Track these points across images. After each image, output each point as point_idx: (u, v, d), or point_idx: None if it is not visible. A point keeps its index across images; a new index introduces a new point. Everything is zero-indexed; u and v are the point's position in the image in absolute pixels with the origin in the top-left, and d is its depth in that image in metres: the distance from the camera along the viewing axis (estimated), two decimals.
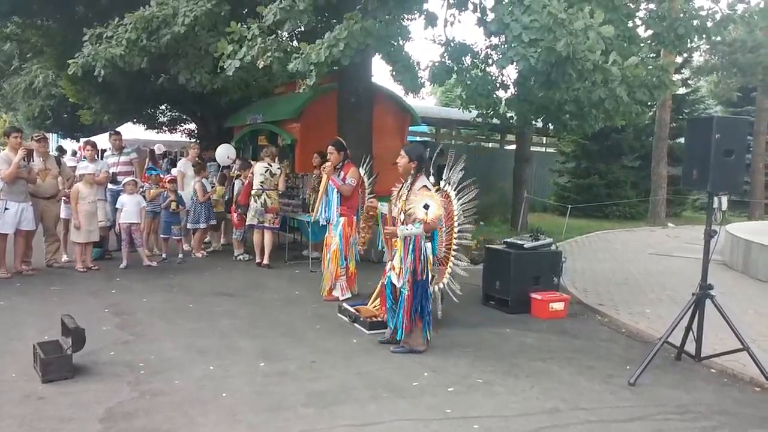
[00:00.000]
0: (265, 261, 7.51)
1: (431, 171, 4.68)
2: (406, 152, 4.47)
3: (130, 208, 7.14)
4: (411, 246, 4.28)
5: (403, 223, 4.34)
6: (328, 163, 6.04)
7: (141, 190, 7.66)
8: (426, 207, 4.15)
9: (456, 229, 4.92)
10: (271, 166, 7.65)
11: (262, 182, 7.54)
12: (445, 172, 4.83)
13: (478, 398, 3.67)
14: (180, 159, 10.38)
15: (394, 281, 4.48)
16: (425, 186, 4.36)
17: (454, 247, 4.93)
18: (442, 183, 4.78)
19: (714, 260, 5.27)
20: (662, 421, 3.47)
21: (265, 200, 7.51)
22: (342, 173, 5.94)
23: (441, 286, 5.03)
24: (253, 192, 7.58)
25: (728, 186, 4.22)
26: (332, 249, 5.94)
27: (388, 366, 4.16)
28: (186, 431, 3.11)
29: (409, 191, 4.38)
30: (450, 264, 4.97)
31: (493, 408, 3.53)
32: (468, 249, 4.92)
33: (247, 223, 7.73)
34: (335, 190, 5.90)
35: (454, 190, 4.93)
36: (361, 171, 6.30)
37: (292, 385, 3.76)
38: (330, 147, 6.05)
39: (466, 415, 3.41)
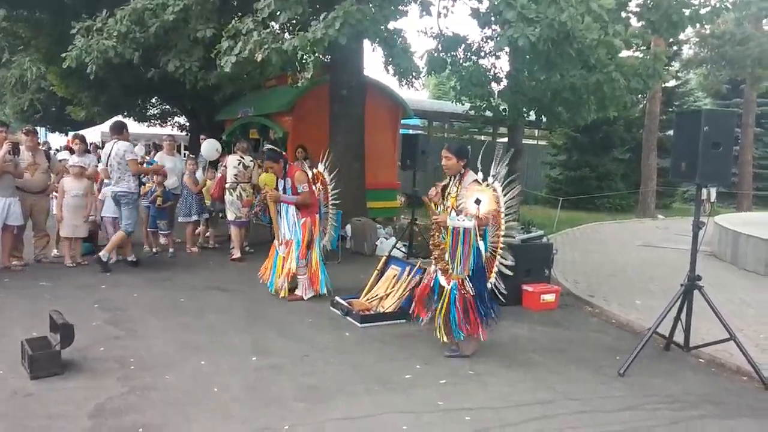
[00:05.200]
0: (238, 254, 7.50)
1: (478, 167, 4.30)
2: (452, 153, 4.20)
3: (110, 203, 7.04)
4: (461, 240, 4.04)
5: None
6: (267, 189, 5.92)
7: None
8: (477, 202, 3.95)
9: (503, 227, 4.41)
10: (243, 158, 7.65)
11: (236, 175, 7.56)
12: (492, 167, 4.38)
13: (470, 390, 3.69)
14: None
15: (443, 283, 4.21)
16: (476, 180, 4.15)
17: (501, 245, 4.39)
18: (489, 179, 4.33)
19: (703, 251, 5.31)
20: (652, 410, 3.51)
21: (240, 193, 7.52)
22: (290, 181, 5.66)
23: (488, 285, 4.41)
24: (227, 185, 7.58)
25: (716, 178, 4.26)
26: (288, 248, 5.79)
27: (380, 359, 4.17)
28: (177, 427, 3.10)
29: (458, 187, 4.17)
30: (497, 263, 4.39)
31: (484, 399, 3.55)
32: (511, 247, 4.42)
33: (229, 220, 7.65)
34: (289, 207, 5.70)
35: (501, 186, 4.41)
36: (321, 167, 6.11)
37: (284, 379, 3.75)
38: (267, 162, 5.87)
39: (458, 407, 3.43)
